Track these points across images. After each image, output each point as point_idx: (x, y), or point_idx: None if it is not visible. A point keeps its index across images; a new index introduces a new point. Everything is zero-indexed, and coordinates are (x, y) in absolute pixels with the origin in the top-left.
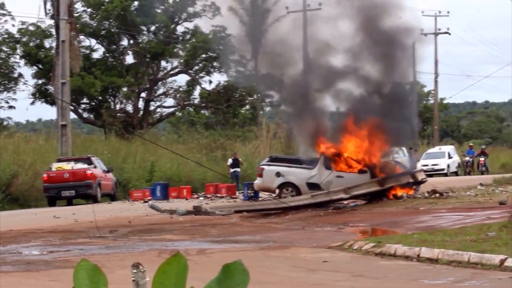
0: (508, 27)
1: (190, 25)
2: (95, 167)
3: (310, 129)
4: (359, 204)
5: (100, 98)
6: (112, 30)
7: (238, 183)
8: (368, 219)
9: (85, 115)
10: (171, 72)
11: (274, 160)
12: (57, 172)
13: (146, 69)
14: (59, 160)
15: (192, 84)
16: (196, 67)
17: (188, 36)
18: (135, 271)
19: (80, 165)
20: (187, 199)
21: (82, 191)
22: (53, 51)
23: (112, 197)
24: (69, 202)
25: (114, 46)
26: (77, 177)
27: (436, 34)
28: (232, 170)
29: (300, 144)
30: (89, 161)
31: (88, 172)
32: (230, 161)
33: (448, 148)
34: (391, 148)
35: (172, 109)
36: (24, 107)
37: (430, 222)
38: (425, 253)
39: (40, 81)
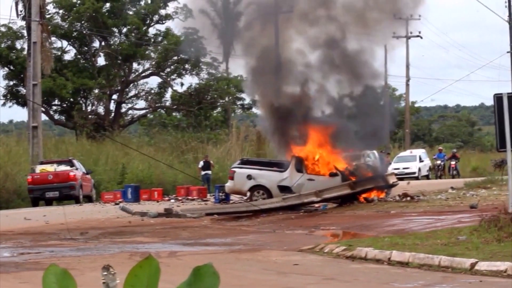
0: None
1: (162, 27)
2: (76, 169)
3: (281, 132)
4: (329, 207)
5: (71, 100)
6: (84, 32)
7: (209, 185)
8: (339, 222)
9: (57, 116)
10: (143, 74)
11: (245, 163)
12: (41, 174)
13: (118, 71)
14: (42, 163)
15: (163, 86)
16: (168, 69)
17: (159, 38)
18: (105, 273)
19: (63, 167)
20: (158, 202)
21: (65, 192)
22: (24, 53)
23: (90, 199)
24: (48, 203)
25: (86, 48)
26: (60, 179)
27: (407, 37)
28: (203, 172)
29: (274, 147)
30: (71, 164)
31: (71, 173)
32: (201, 163)
33: (419, 152)
34: (362, 151)
35: (143, 111)
36: None
37: (401, 225)
38: (396, 256)
39: (11, 83)
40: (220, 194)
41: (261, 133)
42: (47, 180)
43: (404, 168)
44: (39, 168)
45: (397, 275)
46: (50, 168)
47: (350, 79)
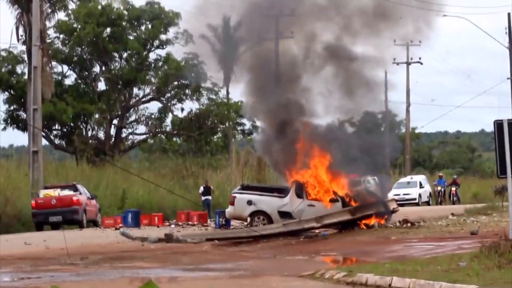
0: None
1: (162, 52)
2: (80, 193)
3: (281, 158)
4: (330, 233)
5: (72, 124)
6: (84, 57)
7: (209, 211)
8: (340, 248)
9: (57, 141)
10: (143, 99)
11: (245, 188)
12: (44, 199)
13: (118, 96)
14: (46, 187)
15: (164, 111)
16: (168, 95)
17: (160, 63)
18: None
19: (67, 192)
20: (158, 227)
21: (68, 217)
22: (25, 77)
23: (95, 223)
24: (54, 227)
25: (86, 73)
26: (64, 203)
27: (408, 63)
28: (203, 198)
29: (274, 173)
30: (75, 188)
31: (75, 198)
32: (201, 188)
33: (420, 178)
34: (362, 177)
35: (144, 136)
36: None
37: (401, 251)
38: (397, 282)
39: (12, 107)
40: (221, 219)
41: (262, 158)
42: (51, 205)
43: (404, 194)
44: (42, 193)
45: None
46: (53, 193)
47: (350, 105)
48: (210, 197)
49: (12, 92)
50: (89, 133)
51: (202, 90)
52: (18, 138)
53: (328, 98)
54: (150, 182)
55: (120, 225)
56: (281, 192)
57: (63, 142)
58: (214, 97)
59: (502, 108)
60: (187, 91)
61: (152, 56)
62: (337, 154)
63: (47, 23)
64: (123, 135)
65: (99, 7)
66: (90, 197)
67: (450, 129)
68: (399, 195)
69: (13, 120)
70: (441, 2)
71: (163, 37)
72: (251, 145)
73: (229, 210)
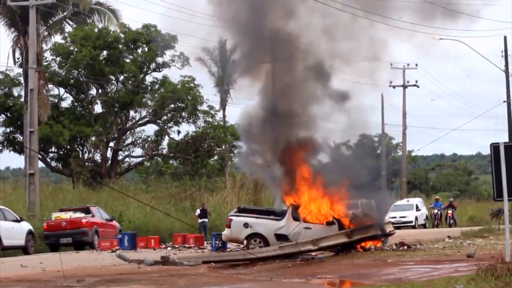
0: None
1: (159, 75)
2: (93, 216)
3: (278, 181)
4: (326, 256)
5: (68, 147)
6: (81, 79)
7: (206, 233)
8: (336, 270)
9: (53, 164)
10: (140, 121)
11: (242, 211)
12: (55, 221)
13: (115, 119)
14: (62, 210)
15: (160, 134)
16: (165, 117)
17: (156, 86)
18: None
19: (78, 215)
20: (155, 249)
21: (78, 238)
22: (21, 100)
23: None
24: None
25: (83, 95)
26: (73, 226)
27: (404, 86)
28: (200, 220)
29: (274, 195)
30: (87, 211)
31: (84, 220)
32: (198, 211)
33: (416, 201)
34: (358, 200)
35: (140, 159)
36: None
37: (398, 274)
38: None
39: (8, 130)
40: (217, 242)
41: (258, 181)
42: (61, 227)
43: (401, 217)
44: (54, 216)
45: None
46: (64, 215)
47: (346, 128)
48: (206, 220)
49: (8, 114)
50: (86, 156)
51: (199, 113)
52: (14, 160)
53: (324, 121)
54: (146, 204)
55: (117, 247)
56: (278, 214)
57: (60, 165)
58: (210, 119)
59: (498, 132)
60: (183, 113)
61: (148, 79)
62: (333, 176)
63: (44, 46)
64: (120, 157)
65: (96, 30)
66: (109, 219)
67: (447, 152)
68: (395, 217)
69: (10, 143)
70: (437, 26)
71: (159, 59)
72: (247, 168)
73: (225, 232)
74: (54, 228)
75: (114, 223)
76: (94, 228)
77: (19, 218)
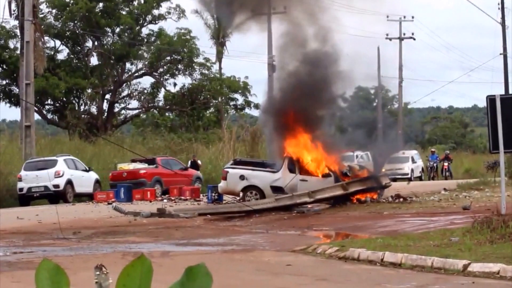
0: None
1: (155, 27)
2: (156, 166)
3: (274, 133)
4: (322, 208)
5: (64, 99)
6: (77, 32)
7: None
8: (332, 223)
9: (49, 116)
10: (136, 74)
11: (238, 163)
12: (118, 172)
13: (111, 71)
14: (133, 160)
15: (156, 86)
16: (161, 70)
17: (152, 38)
18: (98, 273)
19: (139, 165)
20: (151, 202)
21: (136, 188)
22: (17, 52)
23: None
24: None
25: (79, 48)
26: (132, 176)
27: (400, 39)
28: None
29: (268, 147)
30: (153, 162)
31: (142, 171)
32: (189, 164)
33: (412, 153)
34: (355, 151)
35: (136, 111)
36: None
37: (393, 226)
38: (389, 257)
39: (4, 82)
40: (213, 194)
41: (256, 133)
42: (122, 177)
43: (397, 169)
44: (118, 166)
45: (389, 276)
46: (127, 166)
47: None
48: (197, 172)
49: (4, 66)
50: (82, 108)
51: (195, 65)
52: (10, 113)
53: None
54: (142, 156)
55: (113, 199)
56: (274, 167)
57: (56, 117)
58: (206, 72)
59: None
60: (179, 66)
61: (144, 31)
62: (330, 129)
63: None
64: (116, 110)
65: None
66: (183, 168)
67: (443, 105)
68: (391, 170)
69: (5, 95)
70: None
71: (155, 12)
72: (245, 120)
73: (221, 185)
74: (117, 178)
75: (191, 171)
76: (154, 178)
77: (87, 168)
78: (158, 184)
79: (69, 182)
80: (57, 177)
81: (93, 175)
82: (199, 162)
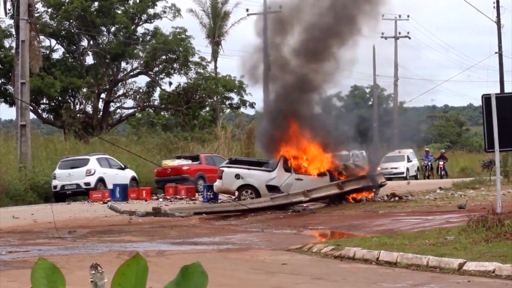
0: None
1: (150, 26)
2: (200, 163)
3: (269, 132)
4: (318, 207)
5: (59, 98)
6: (72, 31)
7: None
8: (328, 222)
9: (45, 115)
10: (131, 73)
11: (233, 162)
12: (163, 168)
13: (106, 70)
14: (178, 157)
15: (152, 85)
16: (156, 69)
17: (148, 38)
18: (93, 272)
19: (183, 162)
20: (146, 201)
21: (180, 184)
22: (12, 51)
23: None
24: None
25: (74, 47)
26: (175, 172)
27: (396, 37)
28: None
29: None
30: (196, 158)
31: (185, 168)
32: None
33: (408, 152)
34: (350, 150)
35: (131, 110)
36: None
37: (389, 225)
38: (384, 256)
39: None
40: (209, 193)
41: (251, 131)
42: (166, 173)
43: (392, 168)
44: (163, 163)
45: (385, 275)
46: (171, 162)
47: (338, 79)
48: None
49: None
50: (77, 107)
51: (190, 64)
52: (5, 112)
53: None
54: (137, 155)
55: (108, 199)
56: (269, 166)
57: (51, 116)
58: (202, 71)
59: (490, 83)
60: (175, 65)
61: (140, 30)
62: (325, 127)
63: None
64: (111, 109)
65: None
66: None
67: (438, 104)
68: (387, 169)
69: (1, 94)
70: None
71: (151, 11)
72: (240, 119)
73: (217, 184)
74: (162, 174)
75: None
76: (197, 174)
77: (123, 166)
78: (201, 179)
79: (101, 180)
80: (88, 175)
81: (129, 173)
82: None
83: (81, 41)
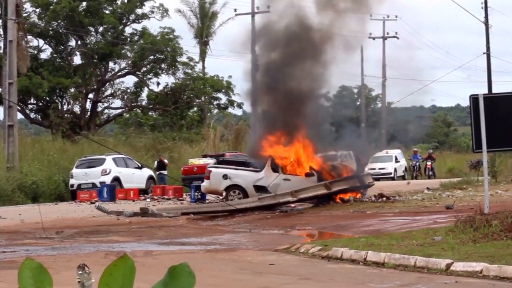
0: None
1: (138, 26)
2: None
3: (257, 132)
4: (305, 207)
5: (47, 98)
6: (60, 31)
7: (165, 185)
8: (315, 222)
9: (32, 115)
10: (119, 73)
11: (221, 162)
12: (189, 166)
13: (94, 70)
14: (204, 156)
15: (139, 85)
16: (144, 69)
17: (136, 38)
18: (80, 272)
19: (208, 160)
20: (134, 201)
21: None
22: (0, 51)
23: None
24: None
25: (62, 47)
26: (201, 171)
27: (384, 38)
28: (157, 172)
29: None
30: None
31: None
32: (155, 163)
33: (395, 152)
34: (338, 151)
35: (119, 111)
36: None
37: (376, 225)
38: (372, 256)
39: None
40: (196, 193)
41: (239, 131)
42: (193, 172)
43: (380, 169)
44: (190, 161)
45: (372, 275)
46: (197, 161)
47: (326, 79)
48: (164, 172)
49: None
50: (65, 107)
51: (178, 65)
52: None
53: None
54: (125, 156)
55: (96, 199)
56: (257, 166)
57: (39, 116)
58: (190, 71)
59: (477, 83)
60: (163, 65)
61: (128, 30)
62: (313, 128)
63: None
64: (99, 109)
65: None
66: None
67: (426, 104)
68: (374, 169)
69: None
70: None
71: (139, 11)
72: (228, 120)
73: (204, 184)
74: (188, 172)
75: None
76: None
77: (140, 165)
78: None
79: (116, 179)
80: (104, 175)
81: (146, 172)
82: (165, 161)
83: (69, 41)
